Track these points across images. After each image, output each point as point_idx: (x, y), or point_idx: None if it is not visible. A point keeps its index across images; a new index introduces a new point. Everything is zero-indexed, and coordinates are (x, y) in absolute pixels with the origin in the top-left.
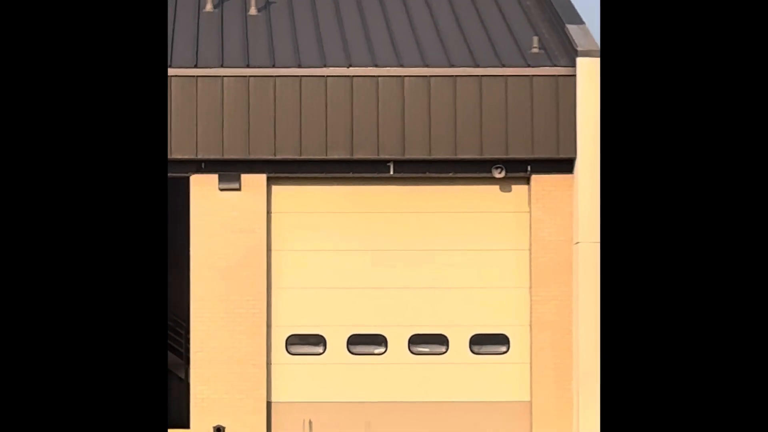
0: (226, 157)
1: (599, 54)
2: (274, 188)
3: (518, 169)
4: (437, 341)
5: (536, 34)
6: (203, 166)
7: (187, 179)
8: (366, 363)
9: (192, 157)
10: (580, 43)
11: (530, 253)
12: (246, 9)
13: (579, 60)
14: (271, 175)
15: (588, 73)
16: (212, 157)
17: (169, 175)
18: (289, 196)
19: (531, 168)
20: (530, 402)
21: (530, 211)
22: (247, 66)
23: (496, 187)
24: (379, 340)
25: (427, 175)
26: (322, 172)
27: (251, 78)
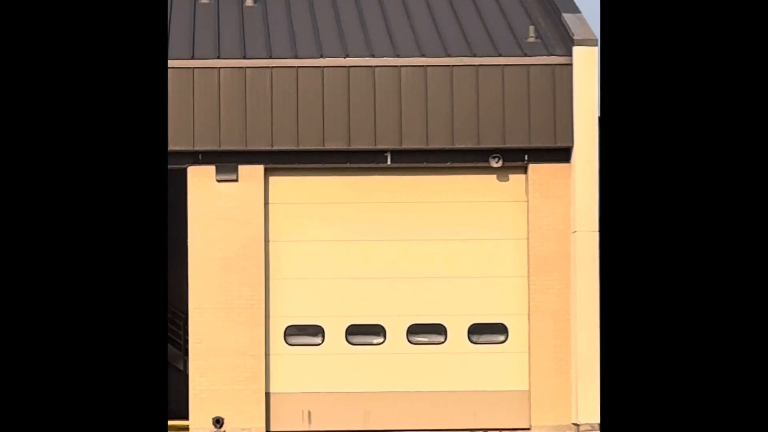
0: (224, 148)
1: (596, 43)
2: (272, 179)
3: (515, 159)
4: (436, 331)
5: (532, 24)
6: (200, 158)
7: (185, 171)
8: (364, 353)
9: (189, 148)
10: (577, 32)
11: (528, 242)
12: (242, 0)
13: (575, 49)
14: (269, 166)
15: (584, 61)
16: (209, 148)
17: None
18: (287, 186)
19: (528, 157)
20: (529, 391)
21: (528, 200)
22: (244, 57)
23: (494, 177)
24: (377, 330)
25: (425, 165)
26: (319, 163)
27: (248, 69)
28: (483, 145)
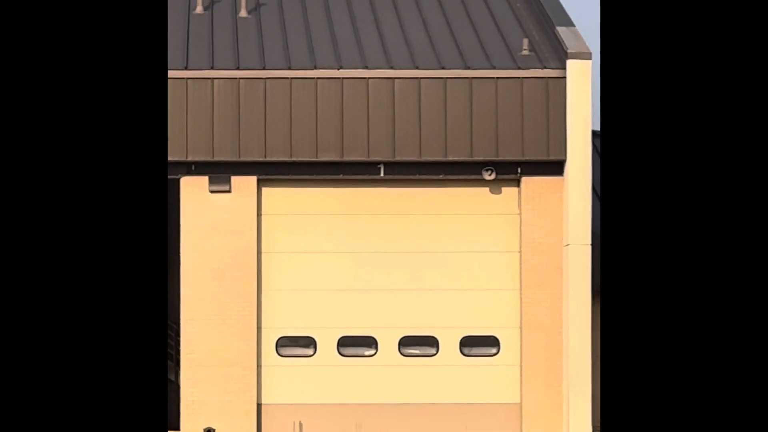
0: (217, 159)
1: (589, 56)
2: (265, 190)
3: (508, 171)
4: (427, 343)
5: (526, 36)
6: (194, 168)
7: (178, 181)
8: (356, 365)
9: (182, 159)
10: (570, 45)
11: (520, 255)
12: (236, 11)
13: (569, 62)
14: (262, 177)
15: (578, 75)
16: (202, 159)
17: None
18: (280, 198)
19: (521, 170)
20: (520, 404)
21: (520, 213)
22: (238, 68)
23: (487, 189)
24: (369, 342)
25: (418, 177)
26: (312, 174)
27: (241, 80)
28: (476, 158)
